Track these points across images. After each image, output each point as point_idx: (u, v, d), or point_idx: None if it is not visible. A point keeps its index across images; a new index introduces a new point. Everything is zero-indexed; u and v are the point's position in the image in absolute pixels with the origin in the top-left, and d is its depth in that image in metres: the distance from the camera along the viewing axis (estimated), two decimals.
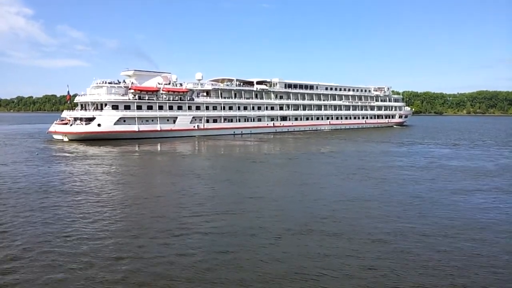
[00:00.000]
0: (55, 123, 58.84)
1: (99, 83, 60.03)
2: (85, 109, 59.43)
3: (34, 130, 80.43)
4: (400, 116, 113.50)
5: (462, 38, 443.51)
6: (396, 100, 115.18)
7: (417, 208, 18.22)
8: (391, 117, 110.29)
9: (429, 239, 14.06)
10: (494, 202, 19.75)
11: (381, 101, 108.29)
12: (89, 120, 56.02)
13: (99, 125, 55.52)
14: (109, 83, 60.40)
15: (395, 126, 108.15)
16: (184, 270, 11.37)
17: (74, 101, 63.61)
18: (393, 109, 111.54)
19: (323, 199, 19.95)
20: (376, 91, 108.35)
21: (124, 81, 63.19)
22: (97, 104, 58.62)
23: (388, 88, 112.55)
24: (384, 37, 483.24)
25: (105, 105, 57.77)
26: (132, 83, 62.14)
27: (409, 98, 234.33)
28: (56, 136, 57.65)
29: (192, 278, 10.89)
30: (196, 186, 23.50)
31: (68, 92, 70.75)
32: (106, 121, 56.14)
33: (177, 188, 22.80)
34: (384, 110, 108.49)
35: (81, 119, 56.84)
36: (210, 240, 13.86)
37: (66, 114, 60.28)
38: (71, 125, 56.66)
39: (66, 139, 55.66)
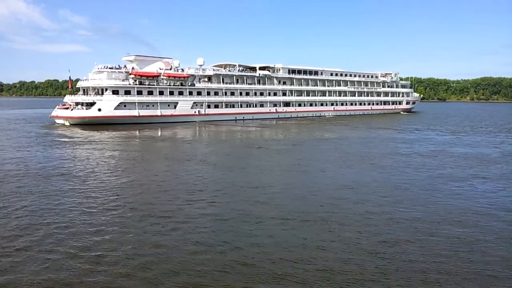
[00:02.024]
0: (57, 108, 60.30)
1: (100, 68, 61.11)
2: (87, 94, 60.69)
3: (36, 115, 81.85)
4: (408, 103, 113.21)
5: (467, 24, 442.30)
6: (403, 86, 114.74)
7: (412, 195, 18.53)
8: (398, 103, 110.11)
9: (418, 226, 14.33)
10: (492, 189, 20.16)
11: (388, 87, 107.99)
12: (90, 105, 57.26)
13: (99, 109, 56.74)
14: (110, 68, 61.49)
15: (402, 113, 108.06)
16: (167, 253, 11.92)
17: (76, 86, 64.93)
18: (400, 95, 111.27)
19: (319, 186, 20.35)
20: (383, 77, 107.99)
21: (125, 66, 64.12)
22: (98, 89, 59.78)
23: (396, 74, 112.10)
24: (388, 23, 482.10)
25: (106, 90, 58.92)
26: (132, 68, 63.11)
27: (413, 84, 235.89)
28: (58, 121, 59.14)
29: (174, 261, 11.43)
30: (194, 172, 23.93)
31: (70, 77, 72.07)
32: (107, 105, 57.33)
33: (174, 174, 23.35)
34: (391, 96, 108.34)
35: (82, 103, 58.13)
36: (199, 225, 14.28)
37: (68, 98, 61.56)
38: (72, 109, 58.02)
39: (67, 123, 57.14)
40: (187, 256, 11.77)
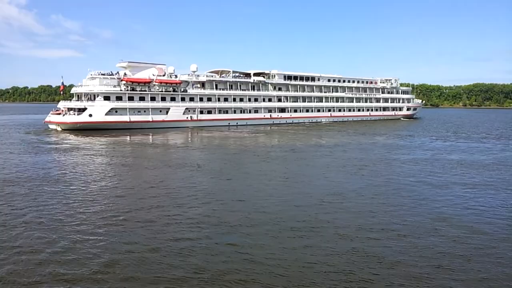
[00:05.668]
0: (51, 113, 63.83)
1: (93, 75, 64.86)
2: (81, 100, 64.28)
3: (29, 120, 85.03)
4: (408, 109, 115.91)
5: (459, 30, 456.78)
6: (404, 92, 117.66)
7: (400, 205, 19.06)
8: (398, 109, 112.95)
9: (395, 235, 14.89)
10: (482, 197, 20.93)
11: (388, 93, 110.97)
12: (82, 110, 60.68)
13: (90, 115, 60.14)
14: (102, 74, 65.14)
15: (402, 119, 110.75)
16: (143, 263, 12.40)
17: (70, 92, 68.61)
18: (400, 101, 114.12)
19: (306, 194, 20.99)
20: (383, 82, 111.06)
21: (117, 73, 67.80)
22: (90, 95, 63.41)
23: (396, 80, 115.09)
24: (382, 31, 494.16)
25: (97, 96, 62.47)
26: (125, 74, 66.68)
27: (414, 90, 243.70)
28: (51, 126, 62.76)
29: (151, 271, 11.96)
30: (183, 179, 24.71)
31: (62, 83, 75.68)
32: (98, 111, 60.76)
33: (162, 181, 24.10)
34: (391, 102, 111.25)
35: (74, 109, 61.58)
36: (182, 231, 15.07)
37: (61, 104, 65.08)
38: (64, 115, 61.49)
39: (59, 128, 60.59)
40: (170, 269, 12.03)
